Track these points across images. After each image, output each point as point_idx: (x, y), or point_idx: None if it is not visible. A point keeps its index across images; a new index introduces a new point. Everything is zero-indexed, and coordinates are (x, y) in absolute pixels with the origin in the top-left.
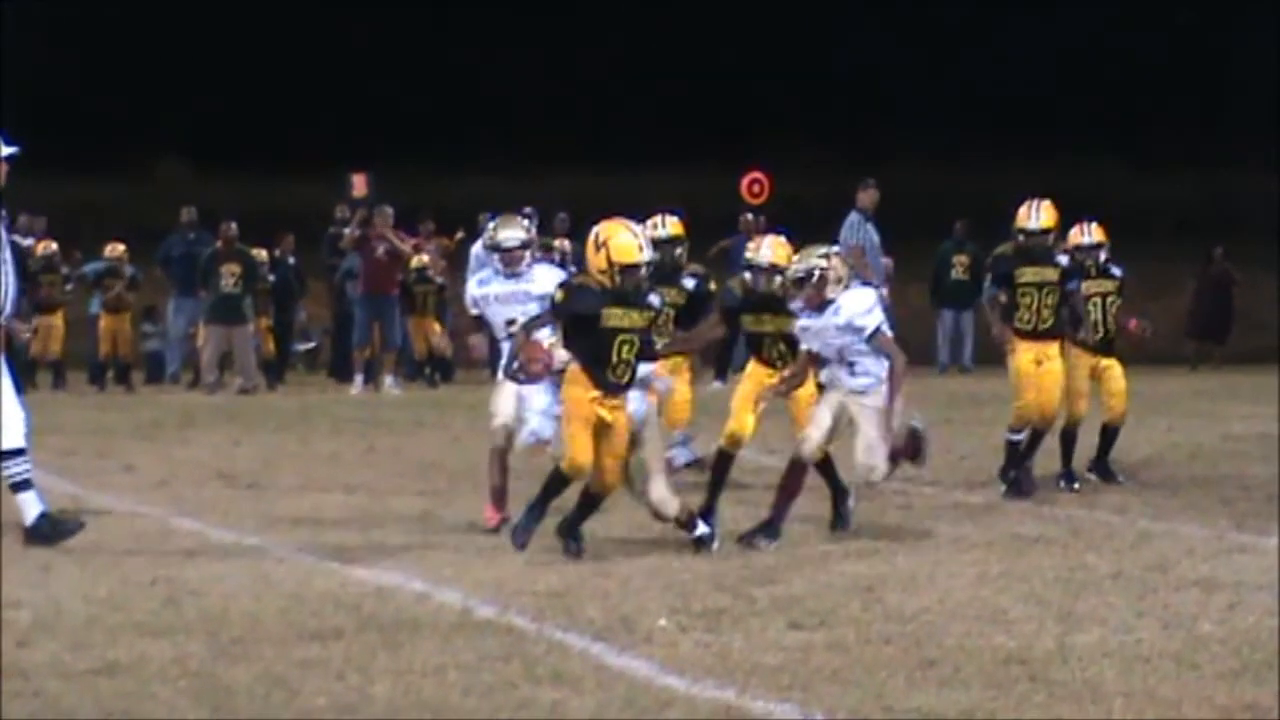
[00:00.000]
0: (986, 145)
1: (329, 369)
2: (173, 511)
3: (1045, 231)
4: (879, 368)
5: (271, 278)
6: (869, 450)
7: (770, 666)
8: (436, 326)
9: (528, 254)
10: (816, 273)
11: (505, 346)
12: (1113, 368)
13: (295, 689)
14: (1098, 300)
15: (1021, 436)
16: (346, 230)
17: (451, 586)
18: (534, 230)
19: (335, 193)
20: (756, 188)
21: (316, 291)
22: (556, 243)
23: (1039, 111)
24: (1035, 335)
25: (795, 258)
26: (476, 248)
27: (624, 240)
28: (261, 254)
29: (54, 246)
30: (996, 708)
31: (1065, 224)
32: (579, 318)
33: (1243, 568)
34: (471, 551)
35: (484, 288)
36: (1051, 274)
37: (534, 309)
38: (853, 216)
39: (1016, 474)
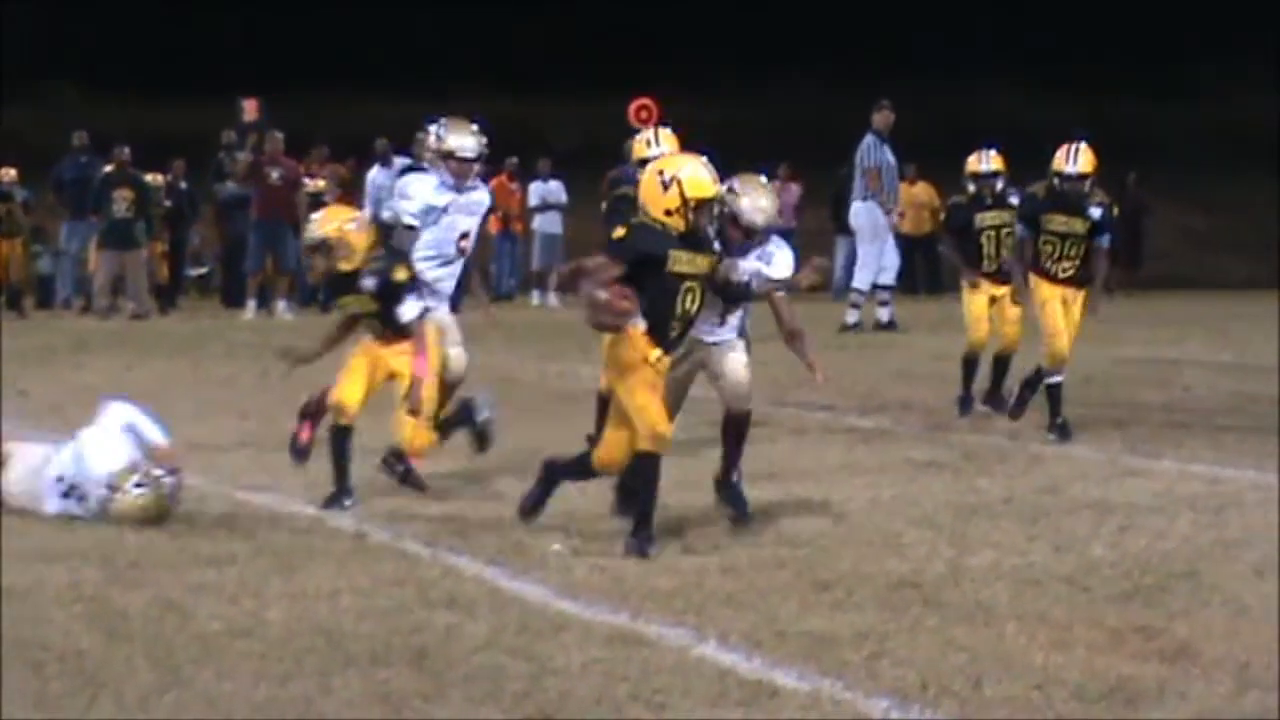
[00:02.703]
0: (884, 69)
1: (221, 294)
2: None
3: (1082, 177)
4: (740, 319)
5: (167, 203)
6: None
7: (664, 591)
8: None
9: (476, 167)
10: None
11: (451, 267)
12: (1007, 297)
13: (189, 613)
14: (992, 233)
15: (1061, 378)
16: (237, 155)
17: (345, 511)
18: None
19: (227, 117)
20: (644, 113)
21: (210, 217)
22: None
23: (937, 34)
24: (1056, 280)
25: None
26: (374, 174)
27: (697, 174)
28: (157, 179)
29: None
30: (889, 630)
31: (965, 150)
32: (646, 261)
33: (1134, 491)
34: (365, 477)
35: (443, 195)
36: (1080, 226)
37: (475, 224)
38: (868, 139)
39: (1063, 420)
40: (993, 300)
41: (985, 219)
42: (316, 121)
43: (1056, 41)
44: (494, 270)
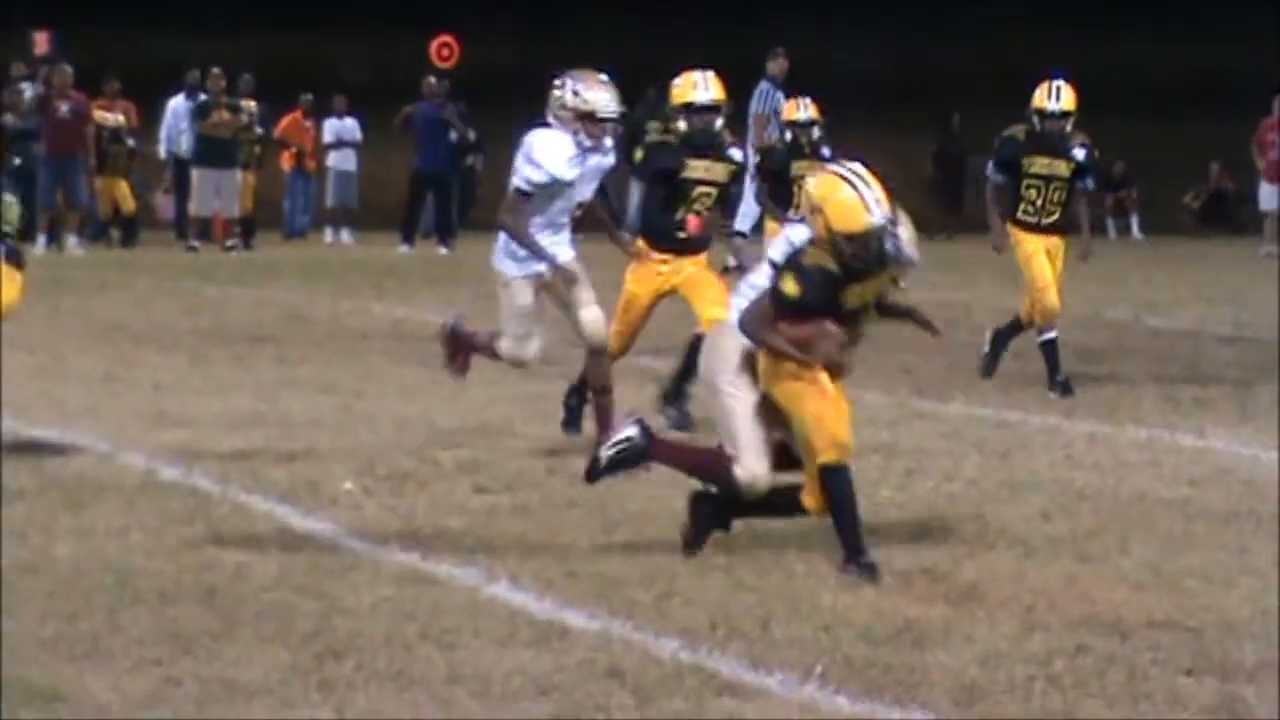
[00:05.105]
0: (678, 13)
1: None
2: None
3: (1064, 115)
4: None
5: None
6: None
7: (455, 530)
8: (125, 187)
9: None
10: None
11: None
12: None
13: None
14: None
15: (1055, 334)
16: (20, 88)
17: (135, 448)
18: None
19: (17, 50)
20: (445, 52)
21: None
22: (244, 103)
23: None
24: (1039, 229)
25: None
26: (175, 103)
27: (846, 197)
28: None
29: None
30: (679, 571)
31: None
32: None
33: (922, 434)
34: (155, 413)
35: (574, 168)
36: (1063, 168)
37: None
38: (763, 85)
39: (1063, 377)
40: None
41: (799, 167)
42: (107, 56)
43: None
44: (287, 207)
